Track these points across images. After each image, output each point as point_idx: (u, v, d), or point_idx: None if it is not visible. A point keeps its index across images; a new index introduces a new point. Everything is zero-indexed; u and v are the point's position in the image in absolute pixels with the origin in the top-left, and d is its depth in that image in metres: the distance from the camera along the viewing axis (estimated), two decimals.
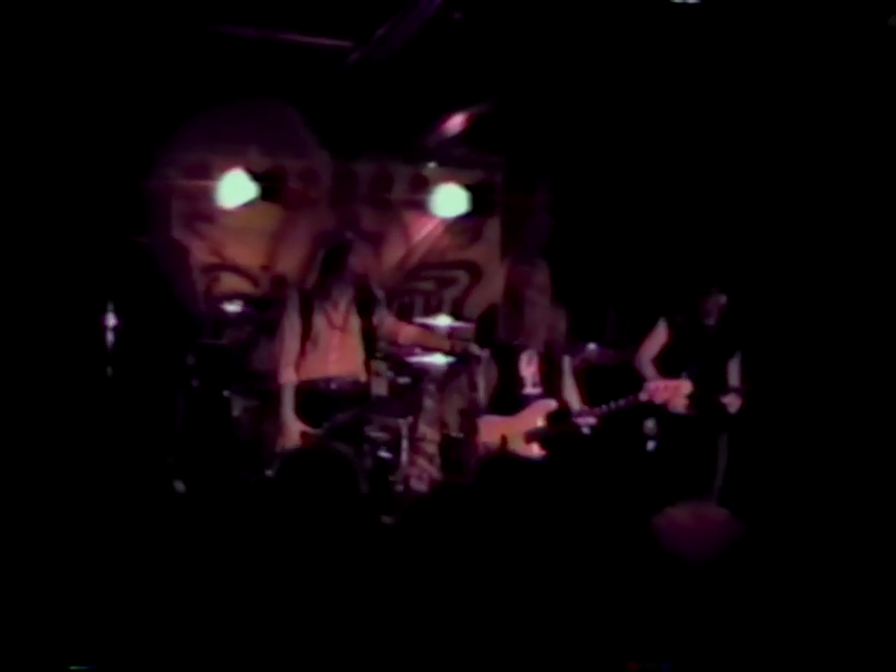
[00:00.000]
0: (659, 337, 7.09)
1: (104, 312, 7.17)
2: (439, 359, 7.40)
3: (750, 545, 4.19)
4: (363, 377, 6.83)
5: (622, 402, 6.48)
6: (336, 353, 6.74)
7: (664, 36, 6.55)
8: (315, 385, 6.66)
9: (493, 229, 8.85)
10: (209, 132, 7.94)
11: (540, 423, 6.52)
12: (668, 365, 6.91)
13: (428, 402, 7.36)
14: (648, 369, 7.00)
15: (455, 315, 8.22)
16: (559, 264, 8.21)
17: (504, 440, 6.33)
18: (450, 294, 8.69)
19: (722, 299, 6.95)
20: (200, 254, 8.40)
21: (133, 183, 7.71)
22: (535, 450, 6.50)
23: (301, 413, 6.62)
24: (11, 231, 7.19)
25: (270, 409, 7.56)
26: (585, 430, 6.54)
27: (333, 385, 6.68)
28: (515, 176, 8.60)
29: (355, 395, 6.74)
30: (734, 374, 7.02)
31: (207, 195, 8.17)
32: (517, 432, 6.47)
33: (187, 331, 7.83)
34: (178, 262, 8.20)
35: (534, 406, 6.57)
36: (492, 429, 6.48)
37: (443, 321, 7.85)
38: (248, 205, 8.22)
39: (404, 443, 7.02)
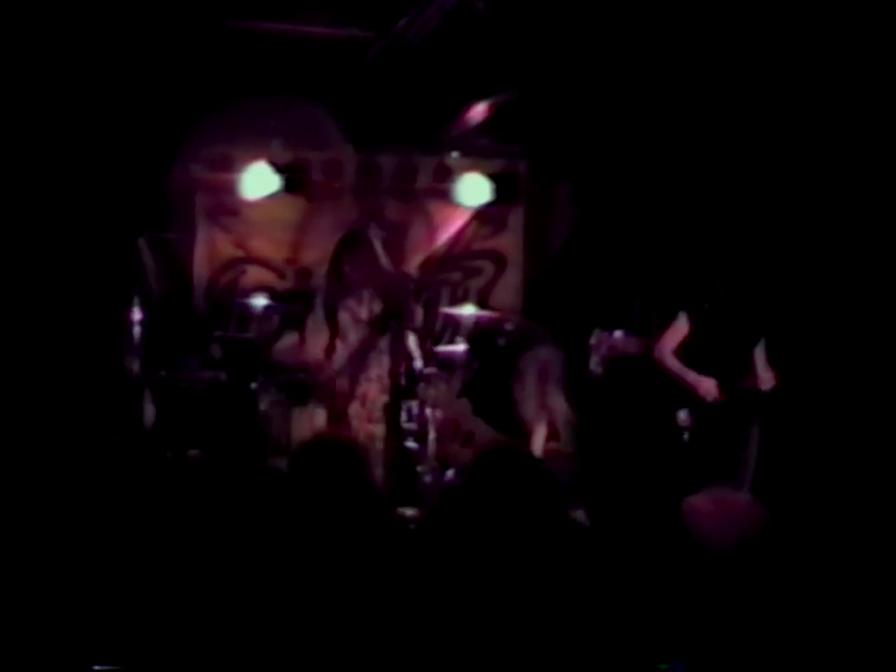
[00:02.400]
0: (681, 329, 7.05)
1: (129, 307, 7.19)
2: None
3: (778, 532, 4.18)
4: None
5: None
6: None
7: (687, 26, 6.52)
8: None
9: (517, 218, 8.82)
10: (232, 125, 7.94)
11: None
12: (693, 356, 6.88)
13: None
14: (670, 360, 6.97)
15: (481, 304, 8.22)
16: (585, 254, 8.25)
17: None
18: (475, 284, 8.66)
19: (742, 286, 6.94)
20: (224, 247, 8.42)
21: (156, 178, 7.73)
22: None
23: None
24: (36, 227, 7.22)
25: (298, 402, 7.62)
26: None
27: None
28: (539, 166, 8.56)
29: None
30: (760, 362, 6.98)
31: (231, 188, 8.17)
32: None
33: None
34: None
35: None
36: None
37: (469, 311, 7.87)
38: (272, 198, 8.23)
39: (432, 433, 7.04)
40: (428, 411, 7.17)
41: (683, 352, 6.93)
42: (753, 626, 3.56)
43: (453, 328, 8.11)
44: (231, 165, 8.17)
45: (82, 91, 7.00)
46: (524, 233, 8.79)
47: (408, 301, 7.06)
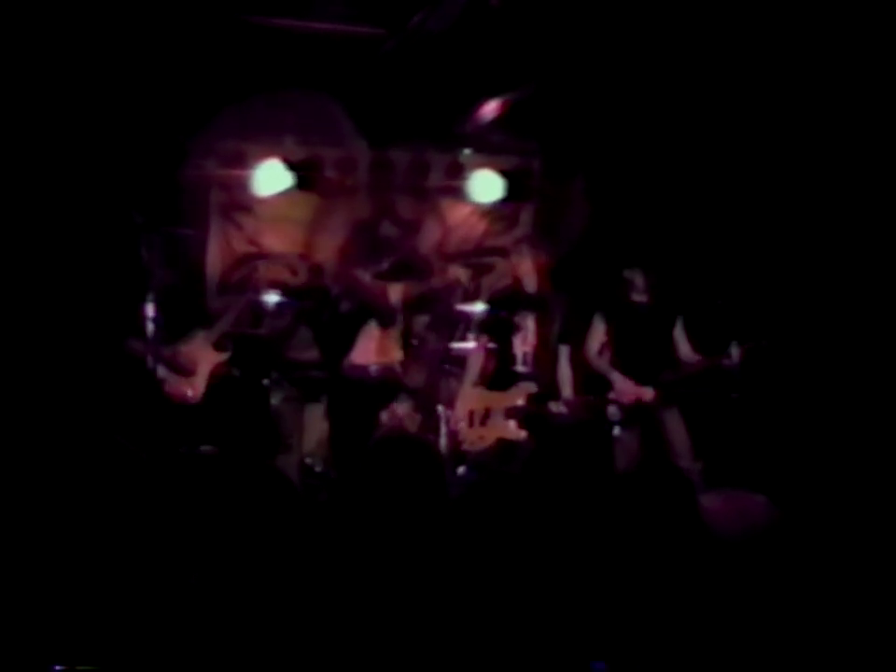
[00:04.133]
0: (598, 330, 7.04)
1: (143, 302, 7.19)
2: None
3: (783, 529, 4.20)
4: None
5: (594, 399, 6.81)
6: (376, 342, 6.80)
7: (700, 23, 6.50)
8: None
9: (529, 214, 8.82)
10: (245, 121, 7.94)
11: (520, 402, 7.08)
12: (619, 352, 6.90)
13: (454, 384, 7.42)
14: (595, 362, 6.97)
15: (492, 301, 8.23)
16: (597, 248, 8.23)
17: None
18: (487, 281, 8.66)
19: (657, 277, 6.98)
20: (237, 243, 8.43)
21: (170, 173, 7.74)
22: (512, 426, 7.04)
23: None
24: (50, 222, 7.23)
25: (310, 398, 7.64)
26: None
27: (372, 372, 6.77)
28: (552, 163, 8.55)
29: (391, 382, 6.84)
30: (683, 347, 6.99)
31: (244, 185, 8.18)
32: (500, 407, 7.13)
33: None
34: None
35: (520, 385, 7.14)
36: (478, 401, 7.12)
37: (481, 308, 7.86)
38: (285, 195, 8.24)
39: (443, 428, 7.06)
40: (440, 408, 7.18)
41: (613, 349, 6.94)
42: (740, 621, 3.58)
43: (465, 324, 8.11)
44: (244, 161, 8.17)
45: (98, 86, 7.01)
46: (534, 229, 8.80)
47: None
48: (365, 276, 6.73)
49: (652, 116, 7.66)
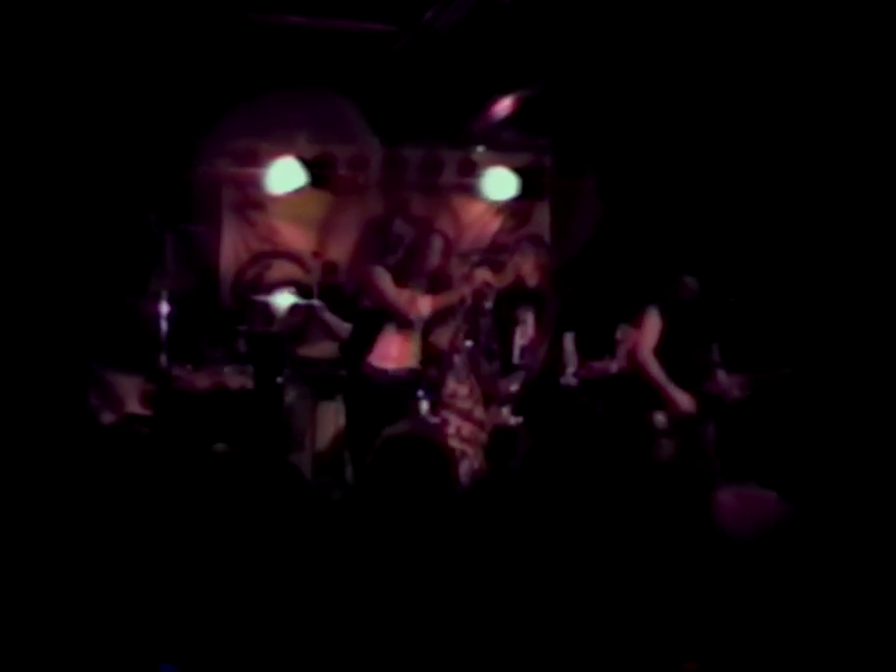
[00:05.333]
0: (654, 326, 6.83)
1: (157, 300, 7.19)
2: None
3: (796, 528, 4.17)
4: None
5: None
6: (396, 346, 6.80)
7: (710, 21, 6.47)
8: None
9: (542, 212, 8.82)
10: (258, 119, 7.94)
11: (514, 388, 7.10)
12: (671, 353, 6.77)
13: (457, 359, 7.36)
14: (654, 368, 6.56)
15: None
16: (610, 247, 8.21)
17: None
18: (499, 278, 8.63)
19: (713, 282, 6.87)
20: (250, 241, 8.45)
21: (183, 172, 7.75)
22: (505, 412, 7.04)
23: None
24: (63, 221, 7.25)
25: (323, 396, 7.64)
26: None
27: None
28: (564, 160, 8.54)
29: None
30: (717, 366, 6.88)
31: (257, 183, 8.20)
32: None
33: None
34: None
35: (515, 374, 7.20)
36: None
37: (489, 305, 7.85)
38: (298, 192, 8.25)
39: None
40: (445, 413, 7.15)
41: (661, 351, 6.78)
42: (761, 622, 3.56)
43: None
44: (257, 160, 8.19)
45: (111, 85, 7.02)
46: (549, 227, 8.79)
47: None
48: (389, 285, 6.69)
49: (664, 114, 7.63)
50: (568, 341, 7.33)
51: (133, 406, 6.81)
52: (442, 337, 7.18)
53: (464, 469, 6.66)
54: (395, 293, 6.69)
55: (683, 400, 6.49)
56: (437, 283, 6.96)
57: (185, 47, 6.77)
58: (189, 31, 6.62)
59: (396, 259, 6.82)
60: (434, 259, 6.85)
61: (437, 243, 6.96)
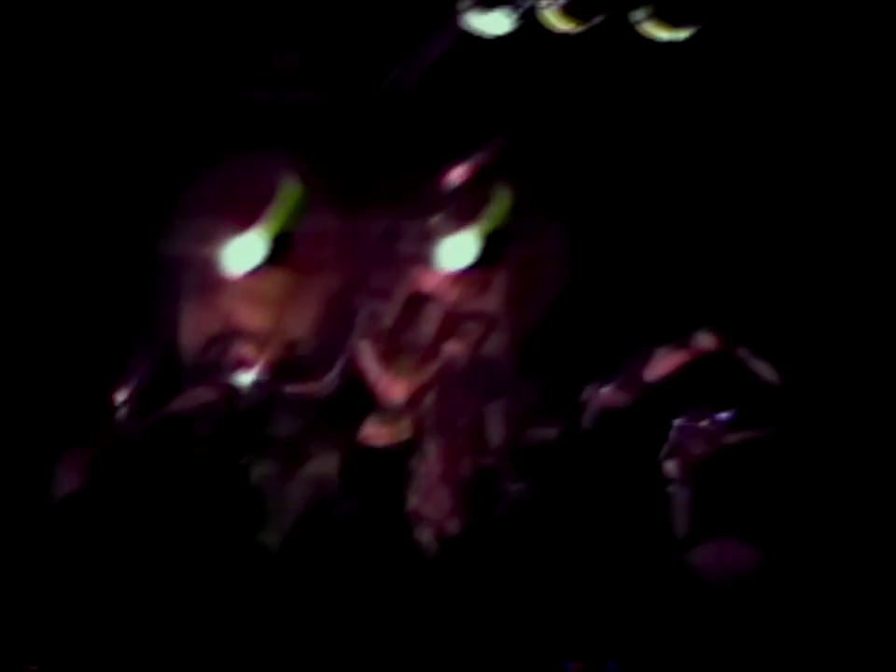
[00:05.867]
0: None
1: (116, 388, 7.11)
2: None
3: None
4: None
5: None
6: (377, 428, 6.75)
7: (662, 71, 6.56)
8: None
9: (504, 278, 8.78)
10: (215, 198, 7.92)
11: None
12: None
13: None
14: None
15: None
16: (574, 309, 8.20)
17: None
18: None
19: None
20: (210, 323, 8.35)
21: (142, 253, 7.69)
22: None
23: None
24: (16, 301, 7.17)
25: (290, 473, 7.53)
26: None
27: None
28: (525, 226, 8.53)
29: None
30: None
31: (215, 263, 8.13)
32: None
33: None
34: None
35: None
36: None
37: None
38: (256, 271, 8.18)
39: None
40: None
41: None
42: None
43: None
44: (214, 239, 8.12)
45: (68, 159, 6.99)
46: (511, 293, 8.74)
47: None
48: (372, 363, 6.62)
49: (628, 169, 7.69)
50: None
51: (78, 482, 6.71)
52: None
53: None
54: (377, 373, 6.60)
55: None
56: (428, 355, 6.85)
57: (142, 122, 6.76)
58: (150, 106, 6.62)
59: (384, 332, 6.74)
60: (428, 329, 6.77)
61: (432, 312, 6.89)
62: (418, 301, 7.41)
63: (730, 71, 6.68)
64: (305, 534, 7.31)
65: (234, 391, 7.89)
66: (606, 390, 7.43)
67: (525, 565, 5.58)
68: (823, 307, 7.66)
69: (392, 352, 6.75)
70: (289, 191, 7.55)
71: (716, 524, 6.29)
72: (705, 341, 7.00)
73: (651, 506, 6.69)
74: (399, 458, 6.87)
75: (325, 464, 7.46)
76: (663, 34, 6.08)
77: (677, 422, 6.98)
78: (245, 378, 7.92)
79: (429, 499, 6.75)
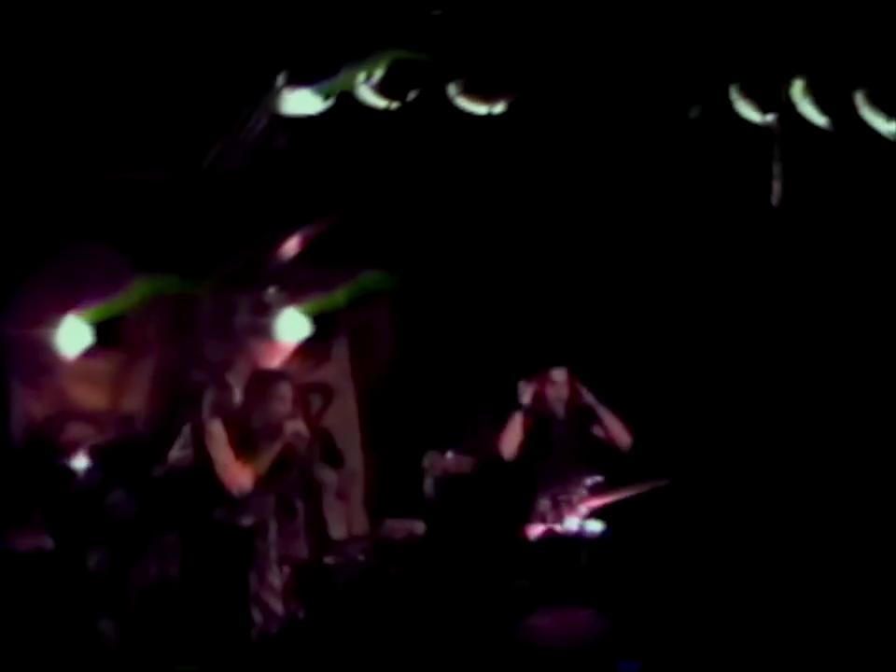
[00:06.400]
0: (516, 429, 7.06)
1: None
2: None
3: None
4: None
5: None
6: None
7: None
8: None
9: (341, 348, 8.80)
10: (42, 281, 7.81)
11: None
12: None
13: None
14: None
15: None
16: (412, 375, 8.27)
17: None
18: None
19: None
20: (40, 406, 8.15)
21: None
22: None
23: None
24: None
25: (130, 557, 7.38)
26: None
27: None
28: (356, 294, 8.59)
29: None
30: None
31: (45, 345, 7.97)
32: None
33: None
34: None
35: None
36: None
37: None
38: (87, 352, 8.05)
39: None
40: None
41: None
42: None
43: None
44: (42, 321, 7.97)
45: None
46: (350, 362, 8.77)
47: None
48: (221, 449, 6.56)
49: (461, 238, 7.81)
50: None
51: None
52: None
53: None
54: (225, 459, 6.54)
55: None
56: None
57: None
58: None
59: (235, 411, 6.68)
60: (280, 408, 6.74)
61: (283, 389, 6.84)
62: (263, 378, 7.38)
63: (548, 139, 6.85)
64: (145, 617, 7.17)
65: (69, 473, 7.71)
66: (448, 456, 7.49)
67: (359, 646, 5.55)
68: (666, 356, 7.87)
69: (242, 436, 6.70)
70: (123, 279, 7.51)
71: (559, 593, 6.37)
72: (557, 376, 7.16)
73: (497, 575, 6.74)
74: (243, 540, 6.80)
75: (165, 544, 7.33)
76: (478, 107, 6.23)
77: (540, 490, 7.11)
78: (80, 460, 7.74)
79: (265, 581, 6.69)
